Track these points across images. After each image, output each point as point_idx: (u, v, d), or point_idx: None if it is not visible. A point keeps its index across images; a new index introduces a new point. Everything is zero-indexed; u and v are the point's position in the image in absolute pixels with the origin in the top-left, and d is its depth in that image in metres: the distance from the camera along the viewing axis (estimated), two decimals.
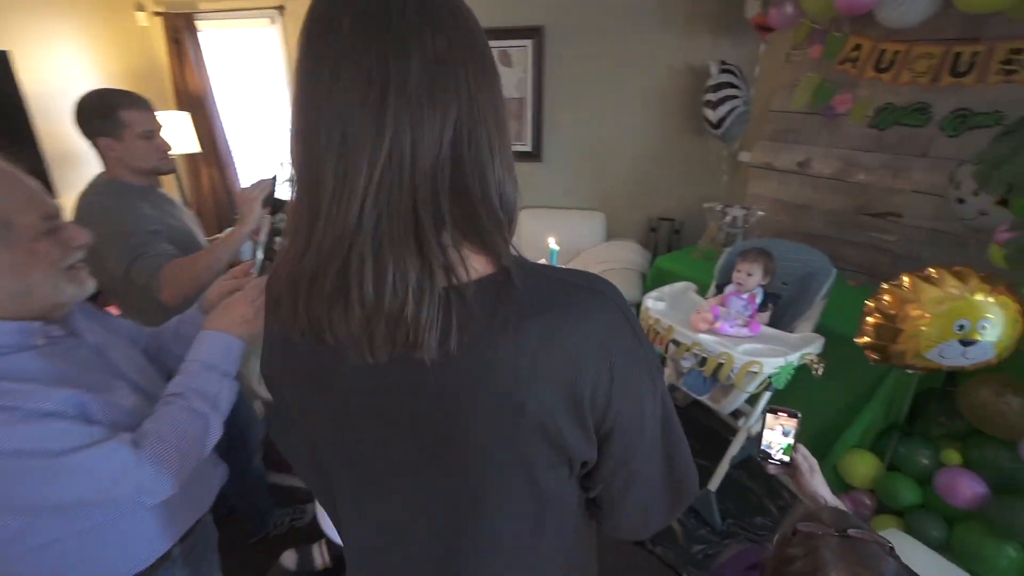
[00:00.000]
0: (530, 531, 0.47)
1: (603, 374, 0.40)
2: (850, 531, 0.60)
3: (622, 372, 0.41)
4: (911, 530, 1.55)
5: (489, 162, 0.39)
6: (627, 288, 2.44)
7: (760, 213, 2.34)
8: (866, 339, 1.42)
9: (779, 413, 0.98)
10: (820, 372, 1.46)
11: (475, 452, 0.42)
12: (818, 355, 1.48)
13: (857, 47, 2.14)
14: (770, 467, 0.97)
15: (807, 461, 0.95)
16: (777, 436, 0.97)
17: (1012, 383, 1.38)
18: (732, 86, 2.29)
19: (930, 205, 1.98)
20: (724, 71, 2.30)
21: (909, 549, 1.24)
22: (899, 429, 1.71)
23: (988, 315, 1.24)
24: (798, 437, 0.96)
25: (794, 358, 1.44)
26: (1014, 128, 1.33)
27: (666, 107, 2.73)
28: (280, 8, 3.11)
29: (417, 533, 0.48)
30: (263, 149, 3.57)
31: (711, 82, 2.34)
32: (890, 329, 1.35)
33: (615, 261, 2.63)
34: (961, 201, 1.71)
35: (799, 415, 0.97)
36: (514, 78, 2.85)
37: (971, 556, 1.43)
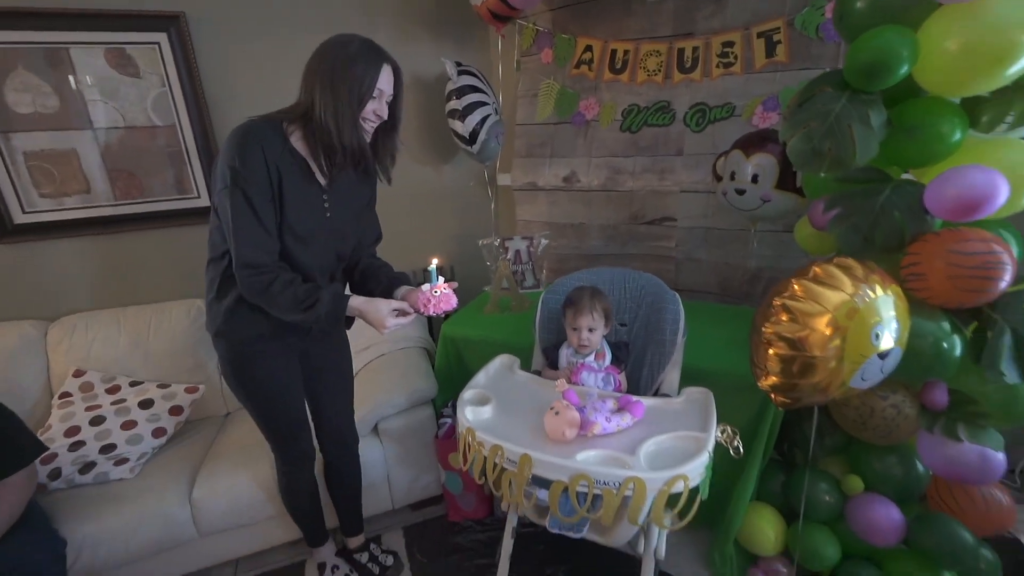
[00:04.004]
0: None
1: None
2: None
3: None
4: None
5: (311, 95, 1.01)
6: (414, 378, 1.63)
7: (545, 241, 1.92)
8: (771, 380, 1.01)
9: None
10: (741, 449, 0.97)
11: None
12: (727, 424, 1.00)
13: (588, 48, 1.96)
14: None
15: None
16: None
17: (889, 381, 1.17)
18: (477, 90, 1.82)
19: (699, 203, 1.88)
20: (463, 72, 1.81)
21: None
22: (774, 460, 1.44)
23: (890, 313, 0.96)
24: None
25: (711, 444, 0.92)
26: (809, 93, 1.14)
27: (404, 126, 2.10)
28: None
29: None
30: None
31: (451, 87, 1.82)
32: (799, 360, 0.97)
33: (388, 343, 1.80)
34: (741, 192, 1.57)
35: None
36: (148, 93, 1.76)
37: None
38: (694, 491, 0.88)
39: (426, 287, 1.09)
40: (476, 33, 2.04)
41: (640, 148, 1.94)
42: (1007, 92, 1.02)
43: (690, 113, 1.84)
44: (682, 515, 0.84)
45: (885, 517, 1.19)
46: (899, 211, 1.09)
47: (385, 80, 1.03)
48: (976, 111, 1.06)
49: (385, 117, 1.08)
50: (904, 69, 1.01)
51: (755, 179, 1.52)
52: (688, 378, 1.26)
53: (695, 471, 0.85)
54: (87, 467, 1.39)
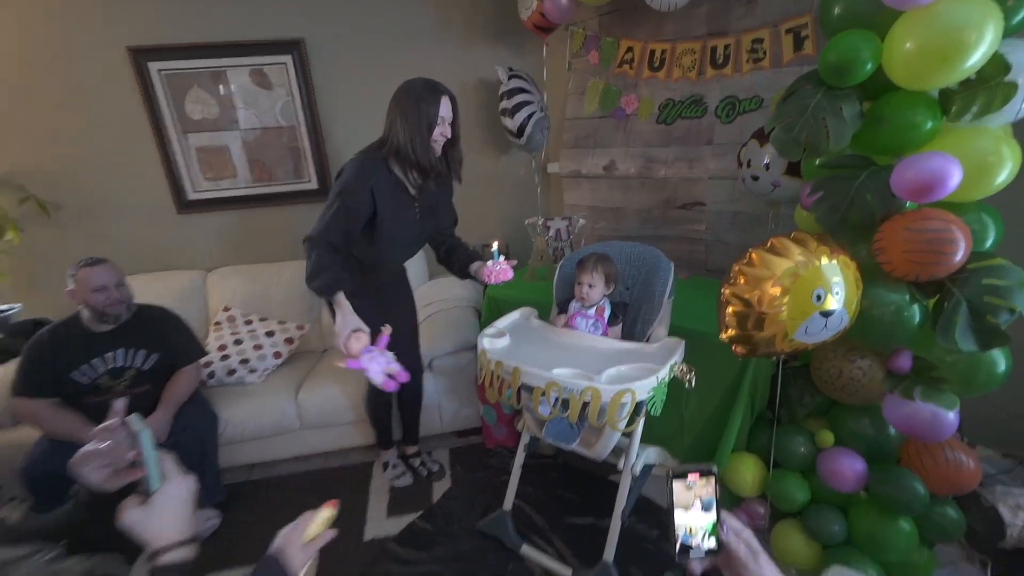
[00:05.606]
0: None
1: None
2: None
3: None
4: (811, 530, 1.40)
5: (393, 130, 1.37)
6: (462, 329, 2.02)
7: (582, 222, 2.19)
8: (730, 332, 1.23)
9: (689, 477, 0.63)
10: (693, 383, 1.21)
11: None
12: (685, 363, 1.24)
13: (630, 50, 2.17)
14: (694, 564, 0.61)
15: (742, 539, 0.61)
16: (695, 515, 0.62)
17: (856, 346, 1.32)
18: (524, 91, 2.13)
19: (726, 189, 2.03)
20: (513, 76, 2.13)
21: None
22: (767, 419, 1.60)
23: (835, 278, 1.14)
24: (721, 504, 0.62)
25: (664, 374, 1.17)
26: (794, 88, 1.31)
27: (466, 124, 2.45)
28: None
29: None
30: None
31: (503, 89, 2.15)
32: (752, 316, 1.18)
33: (443, 301, 2.21)
34: (755, 178, 1.73)
35: (715, 471, 0.63)
36: (277, 102, 2.30)
37: (873, 544, 1.31)
38: (643, 406, 1.14)
39: (490, 263, 1.49)
40: (528, 41, 2.34)
41: (673, 139, 2.12)
42: (972, 85, 1.12)
43: (721, 106, 2.00)
44: (630, 422, 1.11)
45: (848, 467, 1.33)
46: (871, 193, 1.23)
47: (444, 108, 1.38)
48: (947, 103, 1.16)
49: (449, 136, 1.44)
50: (867, 67, 1.16)
51: (767, 166, 1.67)
52: (689, 338, 1.48)
53: (642, 389, 1.11)
54: (231, 372, 1.96)
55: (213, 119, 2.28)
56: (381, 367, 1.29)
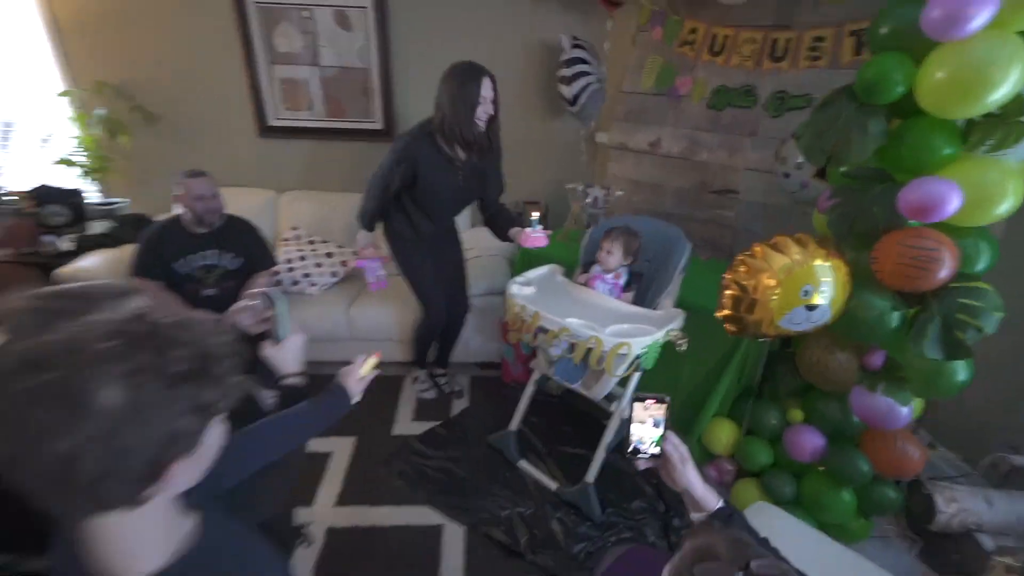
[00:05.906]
0: None
1: None
2: (752, 564, 0.47)
3: None
4: (767, 488, 1.63)
5: (441, 109, 1.63)
6: (495, 276, 2.27)
7: (619, 193, 2.34)
8: (725, 312, 1.41)
9: (647, 401, 0.86)
10: (683, 347, 1.42)
11: None
12: (681, 330, 1.44)
13: (693, 30, 2.22)
14: (640, 463, 0.85)
15: (678, 451, 0.84)
16: (647, 428, 0.85)
17: (839, 341, 1.48)
18: (584, 62, 2.24)
19: (761, 181, 2.13)
20: (576, 46, 2.23)
21: (779, 520, 1.24)
22: (753, 394, 1.81)
23: (825, 278, 1.30)
24: (668, 425, 0.85)
25: (659, 336, 1.38)
26: (830, 99, 1.41)
27: (524, 86, 2.61)
28: None
29: None
30: None
31: (564, 57, 2.26)
32: (746, 300, 1.36)
33: (480, 249, 2.44)
34: (786, 176, 1.84)
35: (668, 400, 0.85)
36: (355, 44, 2.49)
37: (816, 506, 1.53)
38: (638, 360, 1.36)
39: (528, 229, 1.71)
40: (594, 10, 2.40)
41: (720, 125, 2.21)
42: (994, 119, 1.21)
43: (771, 99, 2.06)
44: (627, 369, 1.34)
45: (809, 441, 1.54)
46: (878, 207, 1.35)
47: (486, 88, 1.59)
48: (967, 132, 1.26)
49: (492, 113, 1.66)
50: (898, 90, 1.26)
51: (799, 166, 1.78)
52: (695, 312, 1.64)
53: (638, 343, 1.33)
54: (295, 283, 2.29)
55: (297, 53, 2.49)
56: (375, 272, 1.89)
